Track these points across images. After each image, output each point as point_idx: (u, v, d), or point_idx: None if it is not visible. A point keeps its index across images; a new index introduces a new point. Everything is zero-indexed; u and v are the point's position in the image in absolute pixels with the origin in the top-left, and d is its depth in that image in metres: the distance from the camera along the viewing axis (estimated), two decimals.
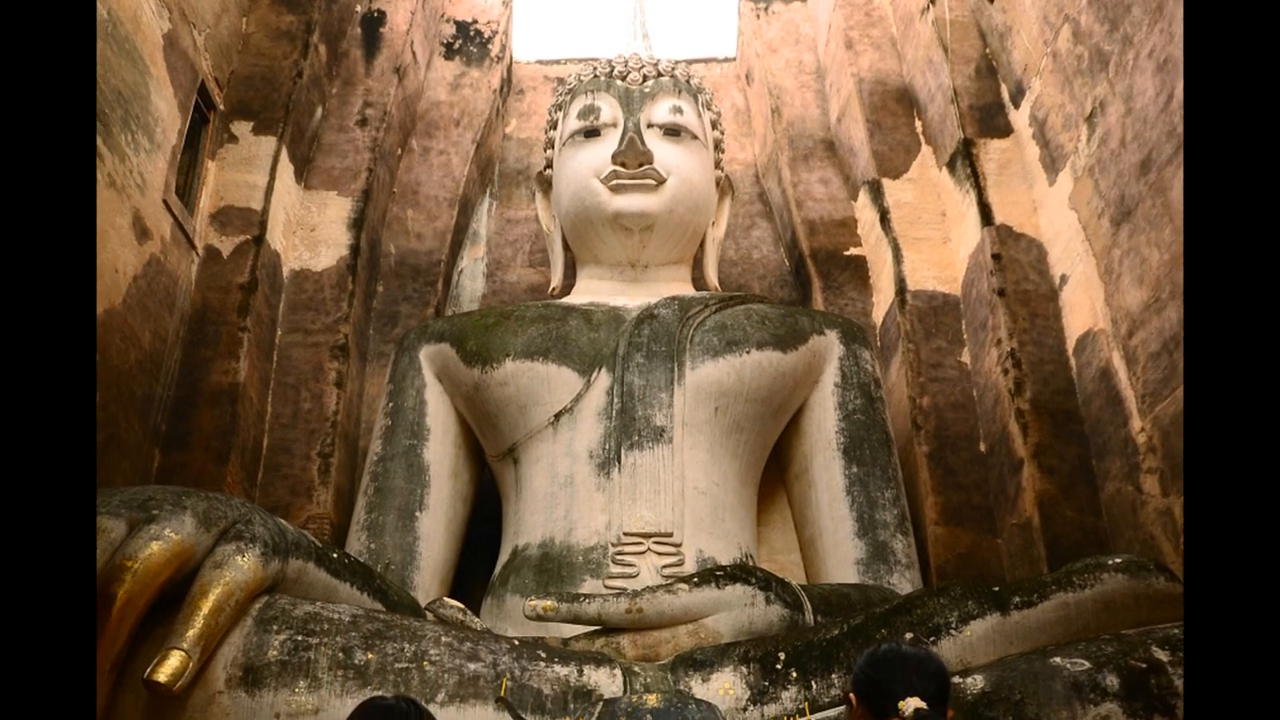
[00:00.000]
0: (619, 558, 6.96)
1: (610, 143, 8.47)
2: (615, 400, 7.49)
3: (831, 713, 4.57)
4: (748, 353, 7.70)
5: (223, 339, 7.99)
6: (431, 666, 4.70)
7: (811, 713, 4.57)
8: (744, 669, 4.98)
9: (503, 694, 4.59)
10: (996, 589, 5.24)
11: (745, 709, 4.80)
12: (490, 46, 11.07)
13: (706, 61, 11.79)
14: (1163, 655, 4.46)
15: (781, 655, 5.02)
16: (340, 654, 4.64)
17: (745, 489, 7.73)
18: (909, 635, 4.88)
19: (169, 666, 4.25)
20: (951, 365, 8.60)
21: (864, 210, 9.73)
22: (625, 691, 4.78)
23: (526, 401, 7.65)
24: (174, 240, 7.87)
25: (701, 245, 9.16)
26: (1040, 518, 7.33)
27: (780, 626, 5.60)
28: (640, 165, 8.30)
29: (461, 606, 5.94)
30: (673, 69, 9.11)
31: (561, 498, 7.32)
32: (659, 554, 6.98)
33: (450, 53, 11.03)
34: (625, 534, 7.04)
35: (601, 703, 4.53)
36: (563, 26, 23.31)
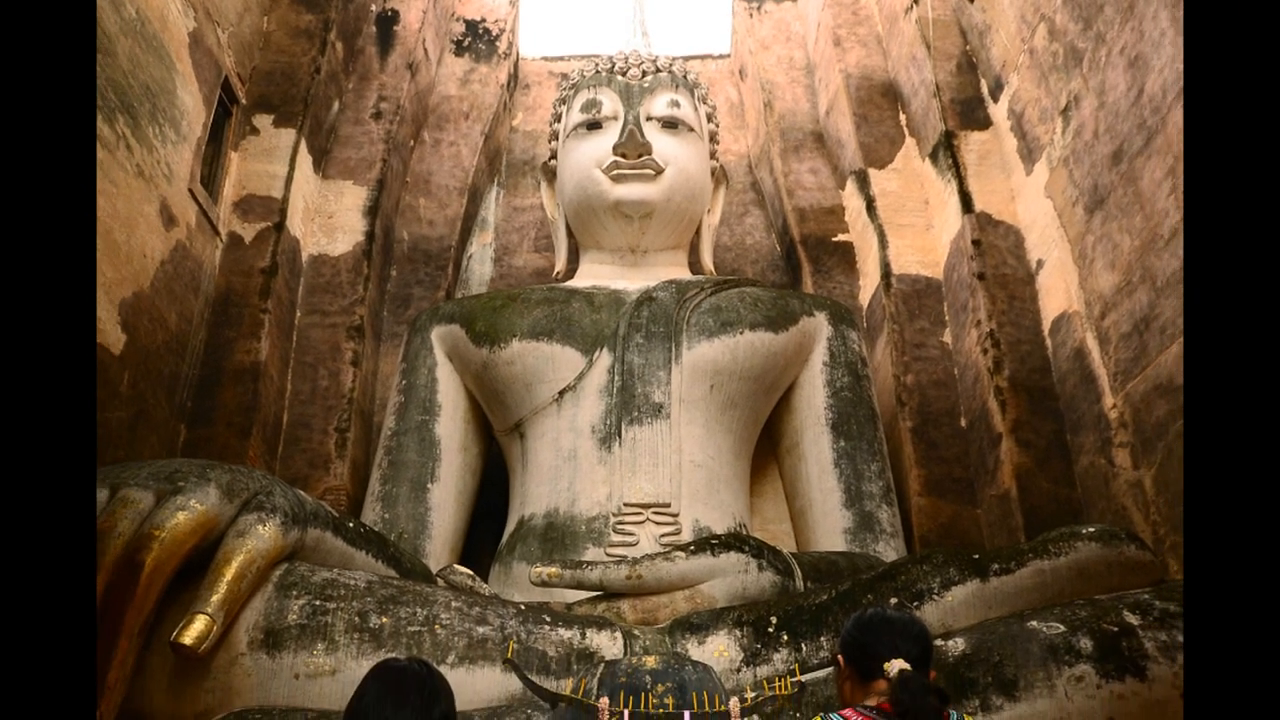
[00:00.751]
0: (619, 527, 6.96)
1: (611, 135, 8.48)
2: (616, 378, 7.49)
3: (820, 674, 4.56)
4: (741, 333, 7.70)
5: (245, 320, 8.01)
6: (442, 630, 4.69)
7: (802, 674, 4.57)
8: (738, 632, 4.97)
9: (509, 656, 4.59)
10: (976, 557, 5.23)
11: (739, 670, 4.80)
12: (498, 44, 11.06)
13: (702, 58, 11.78)
14: (1133, 619, 4.45)
15: (773, 619, 5.01)
16: (356, 618, 4.64)
17: (739, 462, 7.72)
18: (894, 600, 4.87)
19: (194, 630, 4.26)
20: (934, 345, 8.59)
21: (851, 198, 9.73)
22: (625, 653, 4.78)
23: (532, 379, 7.65)
24: (199, 227, 7.87)
25: (698, 231, 9.15)
26: (1018, 489, 7.34)
27: (772, 592, 5.60)
28: (640, 156, 8.31)
29: (471, 573, 5.94)
30: (670, 65, 9.10)
31: (565, 470, 7.33)
32: (657, 523, 6.98)
33: (460, 50, 11.02)
34: (625, 504, 7.05)
35: (603, 664, 4.53)
36: (567, 24, 23.27)
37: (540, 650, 4.75)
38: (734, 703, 3.99)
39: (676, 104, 8.76)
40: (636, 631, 5.04)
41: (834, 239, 9.78)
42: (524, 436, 7.68)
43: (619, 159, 8.32)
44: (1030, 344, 7.90)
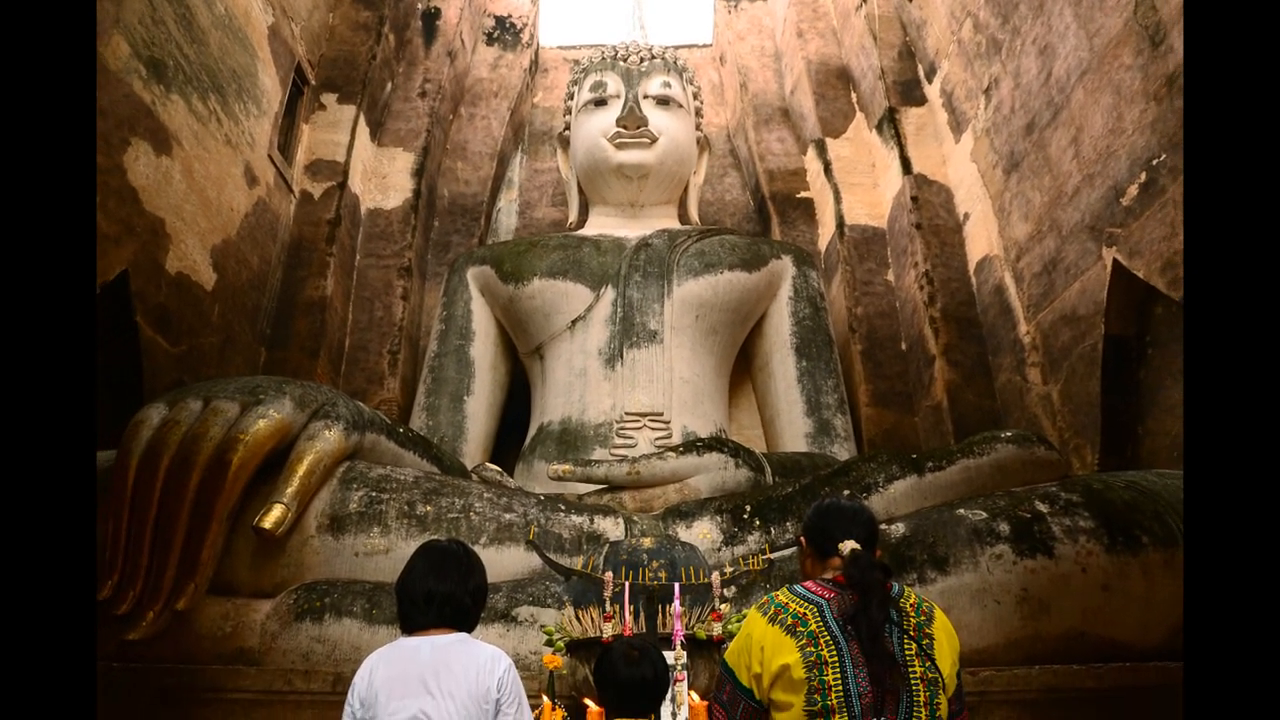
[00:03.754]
0: (621, 432, 6.95)
1: (615, 110, 8.46)
2: (619, 310, 7.45)
3: (786, 553, 4.53)
4: (722, 273, 7.65)
5: (314, 262, 7.99)
6: (476, 516, 4.67)
7: (771, 552, 4.54)
8: (719, 518, 4.95)
9: (531, 538, 4.57)
10: (914, 456, 5.21)
11: (719, 549, 4.78)
12: (522, 35, 10.95)
13: (690, 47, 11.65)
14: (1043, 507, 4.40)
15: (748, 508, 4.99)
16: (405, 506, 4.62)
17: (719, 379, 7.69)
18: (846, 492, 4.83)
19: (273, 516, 4.26)
20: (879, 283, 8.55)
21: (812, 162, 9.65)
22: (626, 535, 4.76)
23: (550, 311, 7.61)
24: (276, 186, 7.82)
25: (686, 189, 9.09)
26: (948, 401, 7.34)
27: (747, 485, 5.57)
28: (638, 127, 8.29)
29: (500, 470, 5.91)
30: (663, 53, 9.02)
31: (577, 385, 7.31)
32: (652, 429, 6.97)
33: (490, 40, 10.90)
34: (626, 413, 7.04)
35: (608, 544, 4.50)
36: (579, 19, 23.18)
37: (556, 533, 4.73)
38: (715, 576, 3.96)
39: (668, 85, 8.70)
40: (635, 518, 5.02)
41: (797, 196, 9.72)
42: (543, 358, 7.64)
43: (621, 130, 8.30)
44: (958, 282, 7.87)
